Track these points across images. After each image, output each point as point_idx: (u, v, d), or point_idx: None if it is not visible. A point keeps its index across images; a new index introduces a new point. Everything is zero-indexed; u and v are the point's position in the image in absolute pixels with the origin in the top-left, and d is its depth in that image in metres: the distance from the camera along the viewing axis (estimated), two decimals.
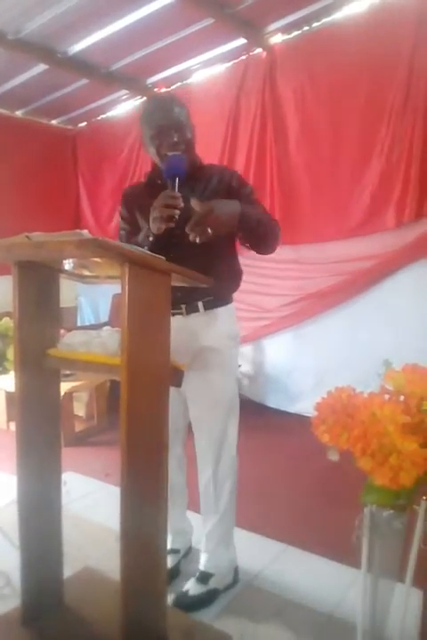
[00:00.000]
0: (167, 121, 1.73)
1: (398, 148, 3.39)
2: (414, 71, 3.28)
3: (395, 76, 3.36)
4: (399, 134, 3.37)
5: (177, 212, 1.58)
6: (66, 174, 5.59)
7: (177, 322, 1.79)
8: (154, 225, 1.63)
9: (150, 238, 1.67)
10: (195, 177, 1.82)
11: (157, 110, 1.76)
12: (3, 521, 2.15)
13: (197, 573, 1.93)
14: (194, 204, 1.52)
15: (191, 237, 1.54)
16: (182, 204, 1.59)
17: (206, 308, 1.82)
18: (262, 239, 1.76)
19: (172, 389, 1.44)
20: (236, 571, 1.99)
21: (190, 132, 1.78)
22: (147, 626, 1.42)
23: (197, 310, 1.81)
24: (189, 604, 1.84)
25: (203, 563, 1.94)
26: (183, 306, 1.80)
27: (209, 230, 1.53)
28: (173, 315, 1.79)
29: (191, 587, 1.89)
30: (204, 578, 1.91)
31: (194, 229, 1.53)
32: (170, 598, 1.82)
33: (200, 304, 1.81)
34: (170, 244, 1.66)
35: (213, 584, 1.90)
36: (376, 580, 1.20)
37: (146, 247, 1.61)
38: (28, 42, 3.77)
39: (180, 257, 1.49)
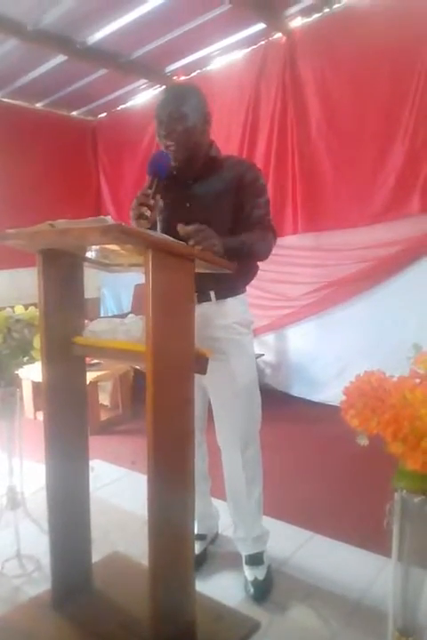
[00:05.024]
0: (160, 115, 1.72)
1: (422, 131, 3.30)
2: None
3: (418, 57, 3.26)
4: (424, 117, 3.28)
5: (146, 209, 1.55)
6: (86, 165, 5.61)
7: None
8: (132, 223, 1.60)
9: None
10: (208, 168, 1.82)
11: (158, 104, 1.75)
12: (32, 507, 2.19)
13: (248, 558, 1.95)
14: (179, 228, 1.49)
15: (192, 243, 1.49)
16: (152, 202, 1.56)
17: (218, 297, 1.82)
18: (249, 258, 1.79)
19: None
20: None
21: (193, 123, 1.72)
22: (175, 610, 1.43)
23: (208, 299, 1.82)
24: (266, 588, 1.88)
25: (251, 546, 1.95)
26: (195, 294, 1.80)
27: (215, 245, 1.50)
28: None
29: (256, 573, 1.91)
30: (259, 559, 1.94)
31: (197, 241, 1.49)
32: (245, 592, 1.87)
33: (212, 293, 1.82)
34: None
35: (266, 560, 1.96)
36: (407, 567, 1.18)
37: None
38: (46, 32, 3.76)
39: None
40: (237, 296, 1.87)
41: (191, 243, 1.46)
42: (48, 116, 5.26)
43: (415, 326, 3.30)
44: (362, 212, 3.64)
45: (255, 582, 1.88)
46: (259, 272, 1.97)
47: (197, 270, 1.43)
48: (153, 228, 1.67)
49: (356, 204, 3.67)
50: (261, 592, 1.86)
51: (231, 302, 1.85)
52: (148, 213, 1.56)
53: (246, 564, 1.95)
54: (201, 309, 1.80)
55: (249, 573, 1.91)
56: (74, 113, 5.54)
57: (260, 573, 1.90)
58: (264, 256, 1.82)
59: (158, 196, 1.60)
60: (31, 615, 1.70)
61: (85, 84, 4.71)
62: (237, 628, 1.63)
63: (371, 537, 1.97)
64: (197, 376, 1.84)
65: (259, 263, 1.93)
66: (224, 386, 1.84)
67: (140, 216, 1.56)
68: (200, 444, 2.03)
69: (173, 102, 1.72)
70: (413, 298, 3.50)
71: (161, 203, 1.69)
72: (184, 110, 1.70)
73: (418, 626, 1.18)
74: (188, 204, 1.78)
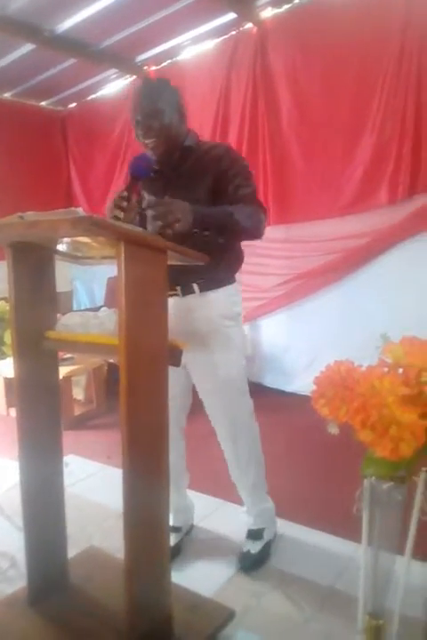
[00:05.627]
0: (136, 113, 1.72)
1: (390, 123, 3.35)
2: (406, 46, 3.23)
3: (387, 50, 3.31)
4: (392, 110, 3.33)
5: (120, 212, 1.55)
6: (56, 157, 5.51)
7: (173, 303, 1.79)
8: None
9: None
10: (185, 158, 1.82)
11: (132, 102, 1.75)
12: (5, 504, 2.16)
13: (248, 532, 2.03)
14: (146, 200, 1.50)
15: (150, 228, 1.50)
16: (125, 205, 1.56)
17: (202, 289, 1.82)
18: (234, 233, 1.75)
19: (174, 371, 1.44)
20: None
21: (169, 117, 1.72)
22: (151, 602, 1.44)
23: (192, 291, 1.82)
24: (256, 561, 1.95)
25: (251, 522, 2.04)
26: (179, 287, 1.80)
27: (177, 225, 1.48)
28: (170, 296, 1.79)
29: (251, 546, 1.99)
30: (257, 534, 2.02)
31: (154, 225, 1.50)
32: (234, 561, 1.97)
33: (195, 286, 1.81)
34: None
35: (266, 537, 2.02)
36: (377, 552, 1.22)
37: None
38: (13, 20, 3.67)
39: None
40: (223, 288, 1.85)
41: (150, 214, 1.44)
42: (16, 106, 5.14)
43: (384, 317, 3.36)
44: (332, 204, 3.68)
45: (246, 554, 1.97)
46: None
47: (169, 262, 1.42)
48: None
49: (326, 195, 3.71)
50: (250, 563, 1.94)
51: (216, 295, 1.84)
52: (121, 216, 1.55)
53: (246, 537, 2.03)
54: (185, 302, 1.81)
55: (245, 546, 2.00)
56: (43, 103, 5.42)
57: (254, 547, 1.98)
58: (253, 231, 1.75)
59: (134, 199, 1.59)
60: (7, 613, 1.68)
61: (54, 73, 4.62)
62: (212, 618, 1.64)
63: (342, 523, 2.01)
64: (183, 371, 1.85)
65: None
66: (208, 378, 1.86)
67: (114, 219, 1.55)
68: (178, 441, 2.03)
69: (146, 100, 1.71)
70: (381, 288, 3.57)
71: (140, 200, 1.68)
72: (159, 106, 1.71)
73: (387, 609, 1.22)
74: (166, 198, 1.78)
